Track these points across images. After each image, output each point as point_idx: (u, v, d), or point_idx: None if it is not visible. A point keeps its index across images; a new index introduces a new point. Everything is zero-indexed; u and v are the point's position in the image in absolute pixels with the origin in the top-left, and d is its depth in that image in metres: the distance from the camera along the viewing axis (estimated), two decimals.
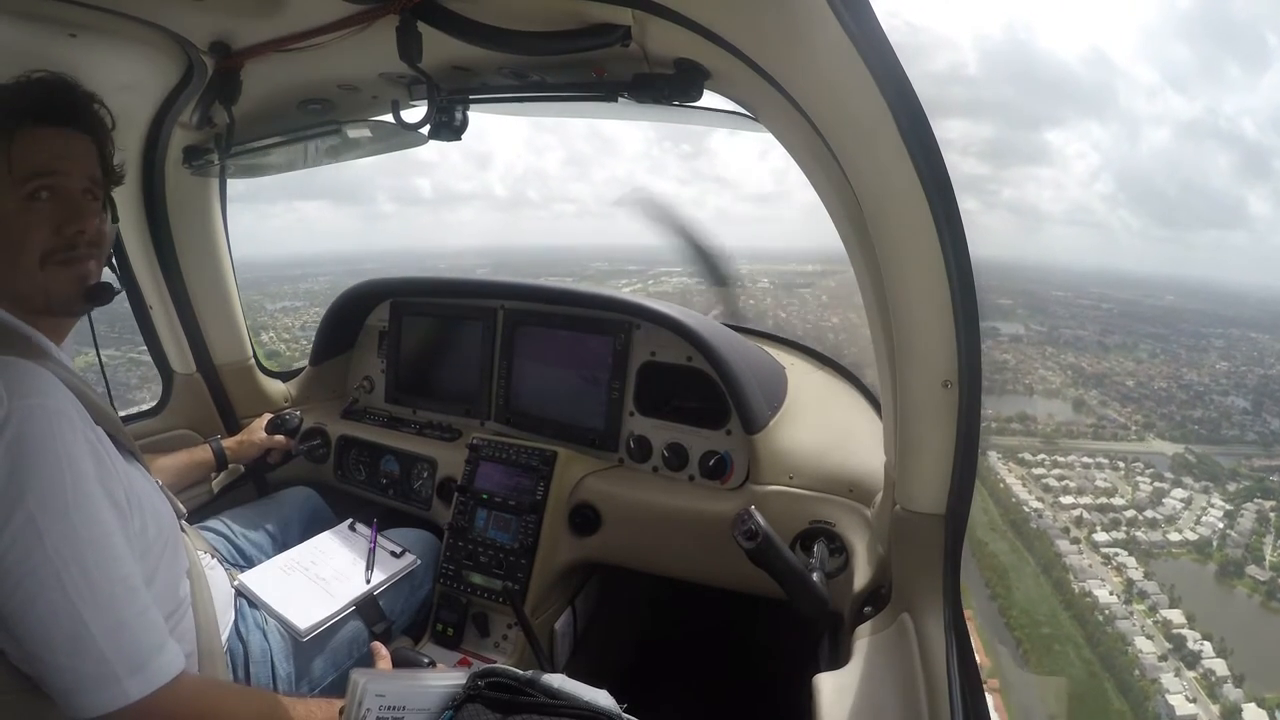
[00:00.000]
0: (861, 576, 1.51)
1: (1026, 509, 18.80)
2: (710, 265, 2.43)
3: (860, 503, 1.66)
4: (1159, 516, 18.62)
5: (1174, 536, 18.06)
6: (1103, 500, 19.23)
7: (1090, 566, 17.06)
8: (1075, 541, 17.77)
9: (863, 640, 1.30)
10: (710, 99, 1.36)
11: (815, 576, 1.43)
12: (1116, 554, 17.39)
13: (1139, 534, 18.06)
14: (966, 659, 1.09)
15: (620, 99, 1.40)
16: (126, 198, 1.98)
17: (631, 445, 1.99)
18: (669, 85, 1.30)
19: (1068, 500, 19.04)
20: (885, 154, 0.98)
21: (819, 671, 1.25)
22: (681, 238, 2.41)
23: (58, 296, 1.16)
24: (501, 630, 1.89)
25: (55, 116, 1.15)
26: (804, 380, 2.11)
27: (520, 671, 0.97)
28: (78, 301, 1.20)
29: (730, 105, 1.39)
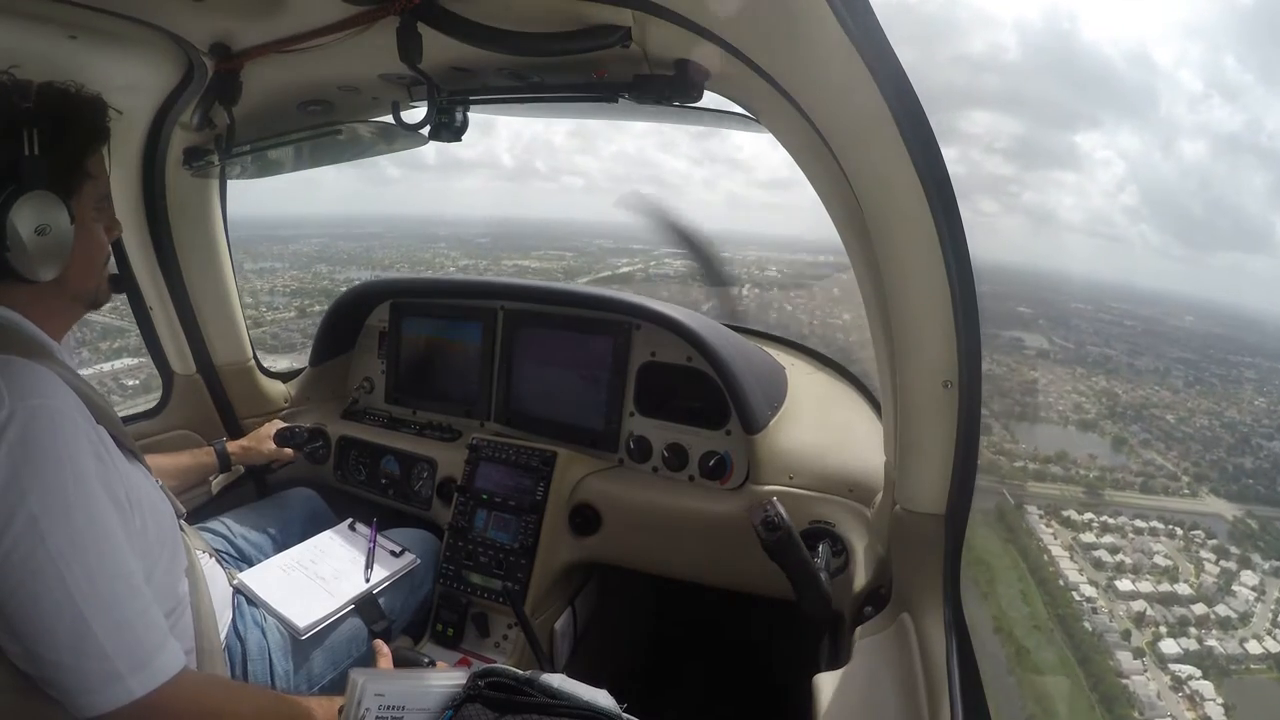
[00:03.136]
0: (861, 576, 1.51)
1: (1077, 598, 14.86)
2: (709, 267, 2.48)
3: (860, 503, 1.66)
4: (1232, 614, 14.77)
5: (1253, 647, 14.18)
6: (1165, 587, 15.42)
7: (1159, 696, 13.09)
8: (1139, 654, 13.76)
9: (863, 640, 1.30)
10: (710, 99, 1.36)
11: (821, 576, 1.44)
12: (1189, 676, 13.40)
13: (1212, 642, 14.20)
14: (966, 659, 1.09)
15: (621, 100, 1.40)
16: (126, 198, 1.99)
17: (631, 445, 1.99)
18: (669, 86, 1.30)
19: (1125, 586, 15.19)
20: (885, 154, 0.99)
21: (819, 671, 1.26)
22: (682, 239, 2.47)
23: (105, 291, 1.31)
24: (501, 630, 1.89)
25: (106, 135, 1.24)
26: (804, 380, 2.11)
27: (520, 671, 0.97)
28: (109, 292, 1.33)
29: (730, 106, 1.40)
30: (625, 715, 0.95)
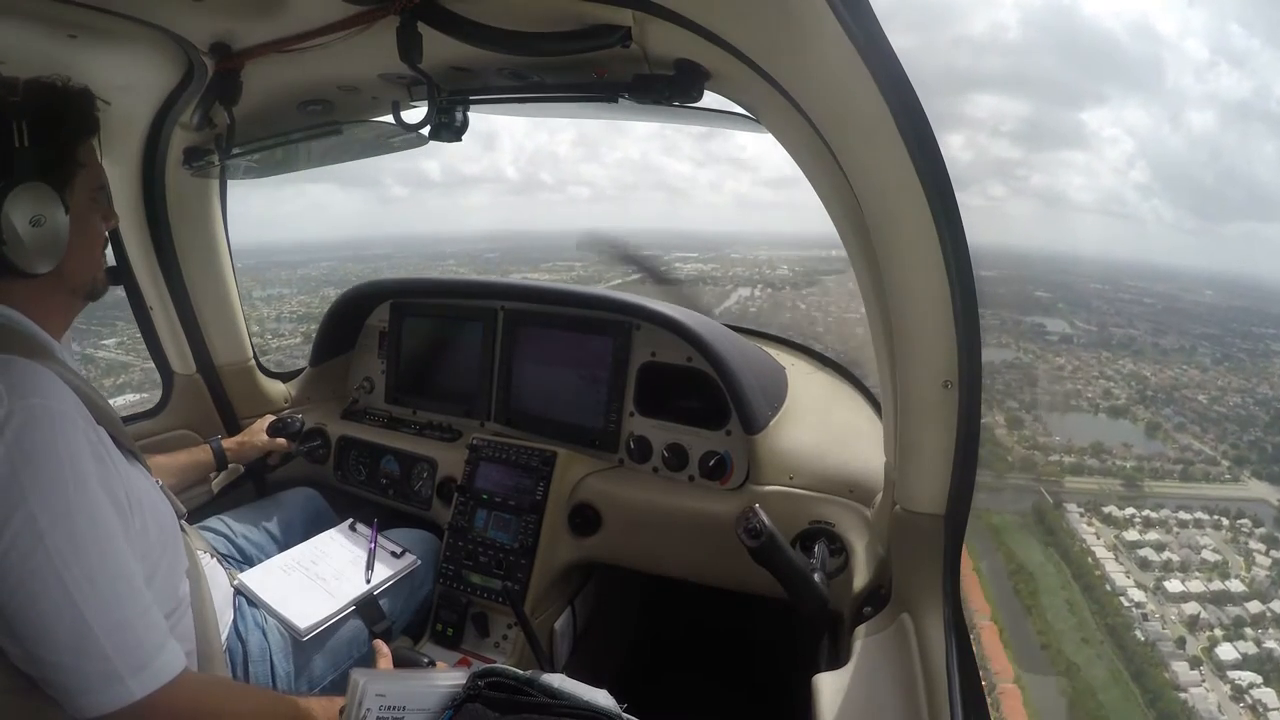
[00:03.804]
0: (861, 576, 1.51)
1: (1125, 604, 13.82)
2: (656, 276, 2.80)
3: (860, 503, 1.66)
4: None
5: None
6: (1216, 584, 14.36)
7: (1220, 709, 12.07)
8: (1196, 664, 12.68)
9: (862, 640, 1.31)
10: (711, 99, 1.36)
11: (816, 576, 1.44)
12: (1250, 684, 12.23)
13: (1271, 644, 13.02)
14: (966, 659, 1.10)
15: (621, 100, 1.40)
16: (126, 198, 1.99)
17: (631, 445, 1.99)
18: (669, 86, 1.30)
19: (1175, 588, 14.16)
20: (885, 154, 0.99)
21: (819, 671, 1.26)
22: (634, 263, 2.79)
23: (102, 281, 1.30)
24: (501, 630, 1.89)
25: (96, 125, 1.24)
26: (804, 380, 2.11)
27: (520, 671, 0.97)
28: (106, 283, 1.32)
29: (731, 106, 1.40)
30: (625, 715, 0.95)
